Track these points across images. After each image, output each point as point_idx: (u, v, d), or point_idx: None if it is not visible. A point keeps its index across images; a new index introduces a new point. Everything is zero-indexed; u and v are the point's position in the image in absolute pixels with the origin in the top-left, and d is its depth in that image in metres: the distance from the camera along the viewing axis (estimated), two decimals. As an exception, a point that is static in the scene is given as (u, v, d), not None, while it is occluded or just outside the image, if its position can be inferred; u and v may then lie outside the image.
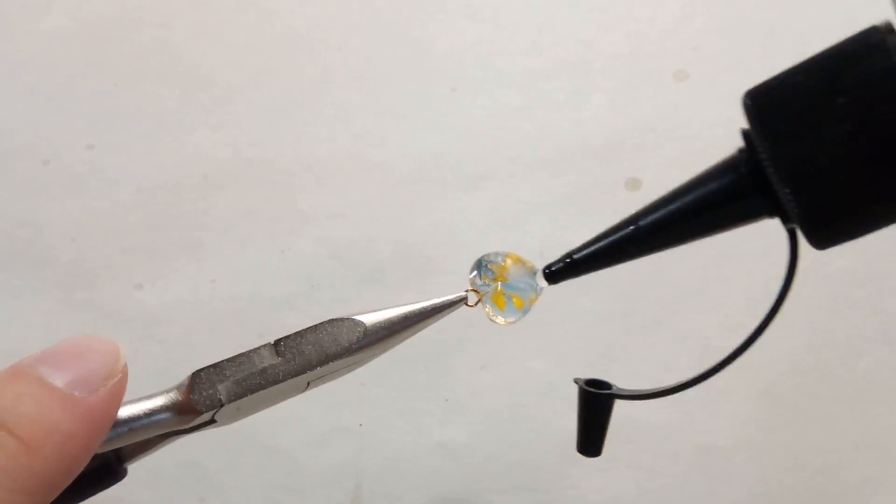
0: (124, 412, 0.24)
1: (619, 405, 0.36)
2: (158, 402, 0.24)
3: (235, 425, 0.37)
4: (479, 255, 0.28)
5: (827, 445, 0.34)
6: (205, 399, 0.24)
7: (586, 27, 0.45)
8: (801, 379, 0.36)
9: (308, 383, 0.25)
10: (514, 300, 0.28)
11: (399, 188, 0.41)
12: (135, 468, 0.36)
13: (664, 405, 0.36)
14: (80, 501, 0.26)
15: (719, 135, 0.41)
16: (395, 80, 0.44)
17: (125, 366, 0.23)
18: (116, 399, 0.22)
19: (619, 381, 0.36)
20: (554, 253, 0.41)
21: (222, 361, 0.25)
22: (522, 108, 0.43)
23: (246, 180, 0.41)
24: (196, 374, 0.25)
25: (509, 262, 0.28)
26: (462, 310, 0.40)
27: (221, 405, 0.24)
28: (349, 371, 0.26)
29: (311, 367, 0.25)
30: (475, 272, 0.28)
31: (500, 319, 0.28)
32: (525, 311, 0.28)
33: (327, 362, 0.25)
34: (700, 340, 0.37)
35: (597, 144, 0.41)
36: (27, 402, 0.20)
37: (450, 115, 0.43)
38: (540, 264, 0.41)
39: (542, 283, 0.28)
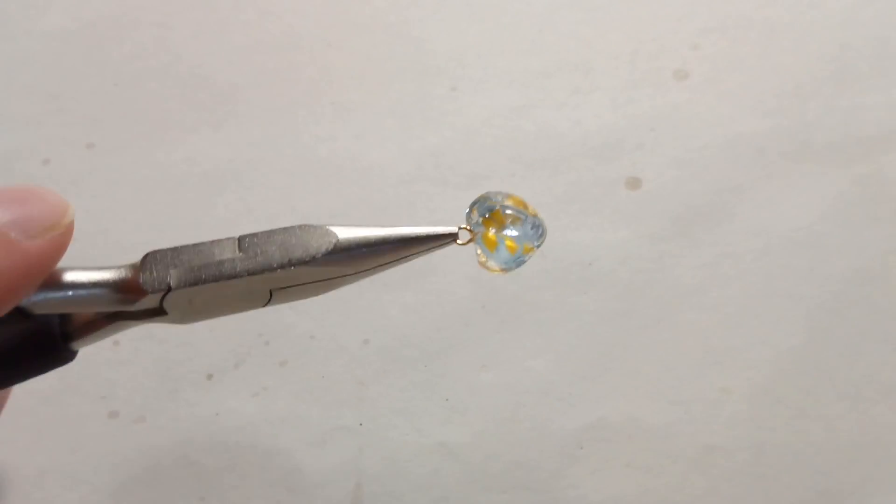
0: (67, 277, 0.22)
1: (618, 406, 0.36)
2: (105, 275, 0.23)
3: (234, 425, 0.37)
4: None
5: (827, 445, 0.34)
6: (154, 280, 0.22)
7: (586, 27, 0.45)
8: (801, 379, 0.36)
9: (271, 293, 0.23)
10: (507, 244, 0.25)
11: (399, 187, 0.41)
12: (133, 467, 0.36)
13: (664, 405, 0.36)
14: (23, 380, 0.25)
15: (719, 134, 0.41)
16: (394, 79, 0.44)
17: (71, 224, 0.22)
18: (53, 252, 0.22)
19: (620, 382, 0.36)
20: (554, 252, 0.41)
21: (182, 246, 0.23)
22: (522, 108, 0.43)
23: (246, 180, 0.41)
24: (150, 254, 0.23)
25: (510, 203, 0.25)
26: (462, 310, 0.40)
27: (170, 289, 0.22)
28: (316, 293, 0.24)
29: (272, 269, 0.22)
30: (472, 209, 0.25)
31: (491, 264, 0.25)
32: (517, 259, 0.25)
33: (289, 267, 0.23)
34: (700, 340, 0.37)
35: (597, 144, 0.41)
36: None
37: (450, 115, 0.43)
38: (541, 263, 0.41)
39: (544, 233, 0.26)
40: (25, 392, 0.36)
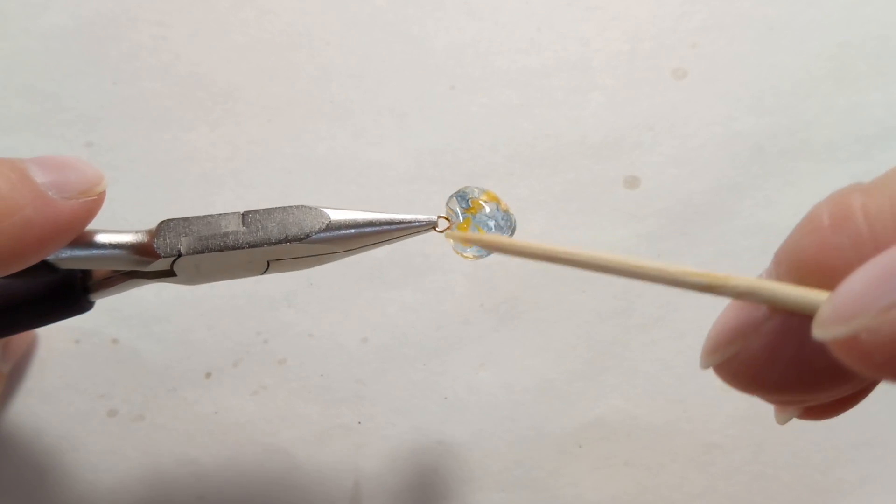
0: (93, 238, 0.26)
1: (617, 404, 0.36)
2: (125, 238, 0.26)
3: (233, 423, 0.37)
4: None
5: (826, 443, 0.34)
6: (167, 245, 0.26)
7: (585, 25, 0.45)
8: (799, 377, 0.36)
9: (268, 264, 0.27)
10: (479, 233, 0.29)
11: (398, 186, 0.41)
12: (132, 465, 0.36)
13: (662, 403, 0.36)
14: (46, 323, 0.29)
15: (718, 133, 0.41)
16: (393, 77, 0.44)
17: (103, 193, 0.25)
18: (85, 214, 0.25)
19: (619, 380, 0.36)
20: (553, 251, 0.41)
21: (192, 217, 0.27)
22: (521, 106, 0.43)
23: (245, 178, 0.41)
24: (164, 223, 0.27)
25: (485, 198, 0.29)
26: (461, 309, 0.40)
27: (180, 255, 0.26)
28: (308, 266, 0.27)
29: (270, 244, 0.26)
30: (452, 200, 0.29)
31: (462, 251, 0.29)
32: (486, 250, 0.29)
33: (286, 243, 0.26)
34: (700, 338, 0.37)
35: (595, 142, 0.41)
36: (1, 181, 0.22)
37: (448, 113, 0.43)
38: (540, 263, 0.41)
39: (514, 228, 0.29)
40: (25, 391, 0.36)
